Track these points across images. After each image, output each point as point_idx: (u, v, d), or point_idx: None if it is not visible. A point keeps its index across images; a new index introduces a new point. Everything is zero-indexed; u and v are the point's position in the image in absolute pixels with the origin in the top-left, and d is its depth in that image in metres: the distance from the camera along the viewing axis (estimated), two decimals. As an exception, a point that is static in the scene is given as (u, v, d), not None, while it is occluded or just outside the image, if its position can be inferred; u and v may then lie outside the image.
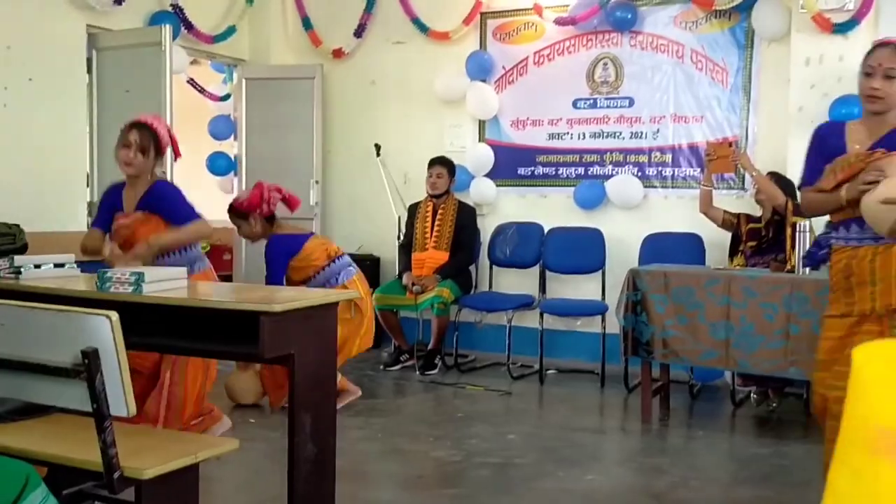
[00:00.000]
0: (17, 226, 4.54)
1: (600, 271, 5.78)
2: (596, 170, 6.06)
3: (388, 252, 6.28)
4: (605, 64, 6.00)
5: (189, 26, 6.14)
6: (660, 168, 5.87)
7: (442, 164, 5.95)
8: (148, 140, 3.70)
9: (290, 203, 4.57)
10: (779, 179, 4.74)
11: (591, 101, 6.06)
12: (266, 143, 6.75)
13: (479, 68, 6.29)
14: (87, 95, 5.70)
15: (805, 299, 4.05)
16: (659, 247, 5.52)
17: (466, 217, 5.99)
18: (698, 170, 5.61)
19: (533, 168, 6.27)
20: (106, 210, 3.85)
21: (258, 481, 3.52)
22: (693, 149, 5.72)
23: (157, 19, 5.89)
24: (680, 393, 4.99)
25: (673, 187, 5.82)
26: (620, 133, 5.98)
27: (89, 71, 5.70)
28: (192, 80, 7.30)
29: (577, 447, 4.09)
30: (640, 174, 5.91)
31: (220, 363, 4.08)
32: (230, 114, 7.14)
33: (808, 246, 4.21)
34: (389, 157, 6.45)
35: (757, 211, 4.92)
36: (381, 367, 5.80)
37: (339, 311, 3.88)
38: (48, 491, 1.95)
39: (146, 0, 5.93)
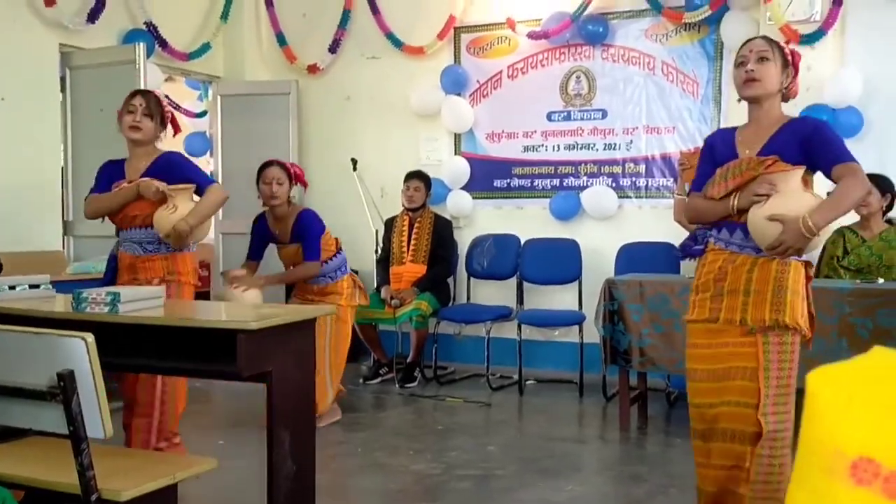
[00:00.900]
0: (-9, 247, 4.52)
1: (577, 281, 5.83)
2: (571, 181, 6.12)
3: (366, 266, 6.30)
4: (578, 77, 6.07)
5: (163, 44, 6.14)
6: (634, 178, 5.94)
7: (418, 178, 5.98)
8: (154, 106, 3.60)
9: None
10: None
11: (565, 113, 6.12)
12: (242, 159, 6.73)
13: (454, 82, 6.34)
14: (61, 114, 5.68)
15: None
16: (634, 256, 5.58)
17: (443, 230, 6.02)
18: (671, 179, 5.67)
19: (509, 180, 6.32)
20: (105, 181, 3.69)
21: (238, 499, 3.51)
22: (666, 159, 5.79)
23: (130, 37, 5.88)
24: (657, 401, 5.04)
25: (647, 197, 5.89)
26: (594, 145, 6.04)
27: (63, 90, 5.68)
28: (167, 96, 7.26)
29: (557, 457, 4.11)
30: (614, 185, 5.98)
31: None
32: (206, 130, 7.14)
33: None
34: (366, 172, 6.48)
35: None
36: (361, 380, 5.81)
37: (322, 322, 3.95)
38: (25, 515, 1.95)
39: (119, 18, 5.92)
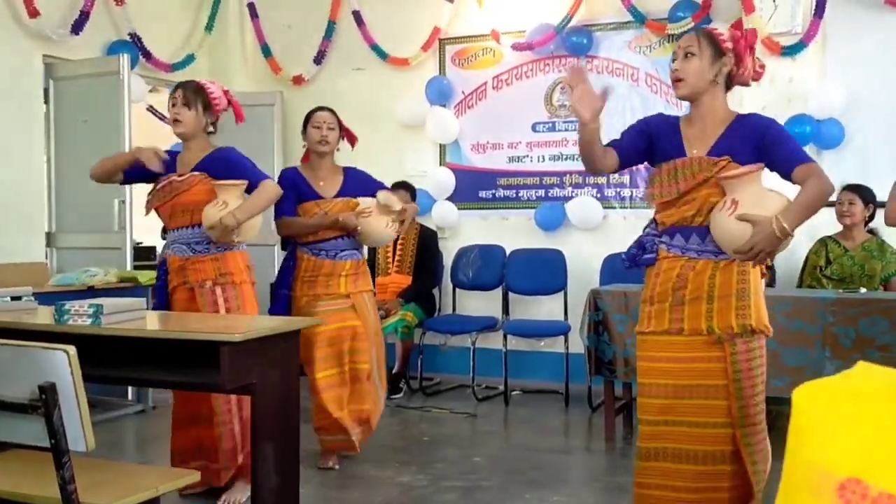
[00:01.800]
0: (-27, 258, 4.48)
1: (562, 292, 5.84)
2: (556, 192, 6.13)
3: (352, 277, 6.27)
4: (563, 88, 6.09)
5: (147, 55, 6.13)
6: (618, 189, 5.96)
7: (403, 189, 5.97)
8: (193, 95, 3.47)
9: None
10: None
11: (550, 124, 6.14)
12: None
13: (439, 93, 6.35)
14: (45, 125, 5.65)
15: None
16: (619, 267, 5.55)
17: (428, 240, 6.02)
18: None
19: (494, 191, 6.33)
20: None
21: (222, 512, 3.48)
22: (650, 169, 5.80)
23: (114, 49, 5.87)
24: (643, 411, 5.04)
25: (632, 208, 5.91)
26: (579, 155, 6.04)
27: (46, 101, 5.65)
28: (151, 107, 7.27)
29: (543, 468, 4.10)
30: (599, 195, 6.00)
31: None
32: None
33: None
34: (351, 183, 6.47)
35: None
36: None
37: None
38: (5, 529, 1.93)
39: (104, 29, 5.91)
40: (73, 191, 5.52)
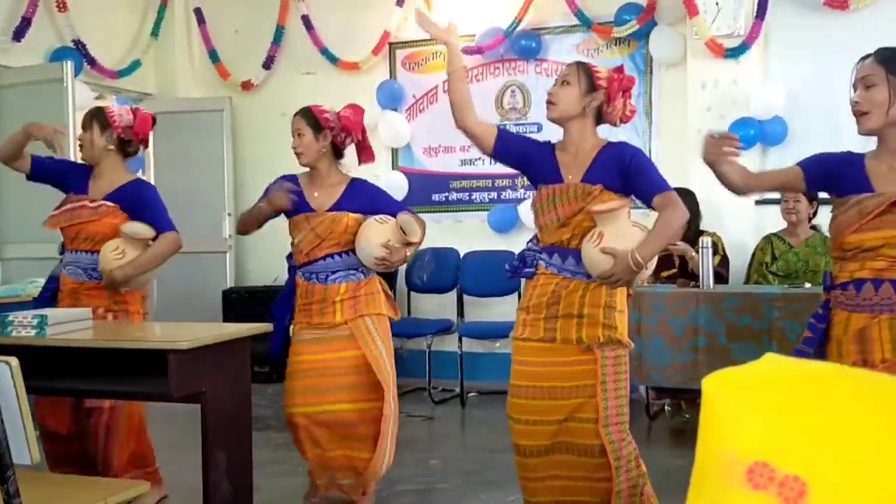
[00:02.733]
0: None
1: (516, 293, 5.86)
2: (508, 194, 6.18)
3: (305, 283, 6.24)
4: (513, 91, 6.14)
5: (92, 62, 6.03)
6: (569, 190, 6.01)
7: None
8: (89, 118, 3.44)
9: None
10: (686, 194, 4.94)
11: (501, 127, 6.17)
12: (176, 177, 6.64)
13: (390, 97, 6.35)
14: (-14, 134, 5.53)
15: (710, 312, 4.22)
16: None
17: (382, 245, 6.00)
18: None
19: (447, 194, 6.35)
20: (64, 171, 3.54)
21: (175, 523, 3.44)
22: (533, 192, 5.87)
23: (58, 55, 5.77)
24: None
25: (583, 209, 5.97)
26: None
27: (-12, 109, 5.54)
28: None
29: (500, 469, 4.12)
30: (550, 197, 6.04)
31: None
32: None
33: (708, 262, 4.38)
34: (303, 188, 6.43)
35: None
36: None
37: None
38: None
39: (46, 36, 5.80)
40: (18, 201, 5.41)
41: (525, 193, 6.11)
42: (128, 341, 2.68)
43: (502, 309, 6.00)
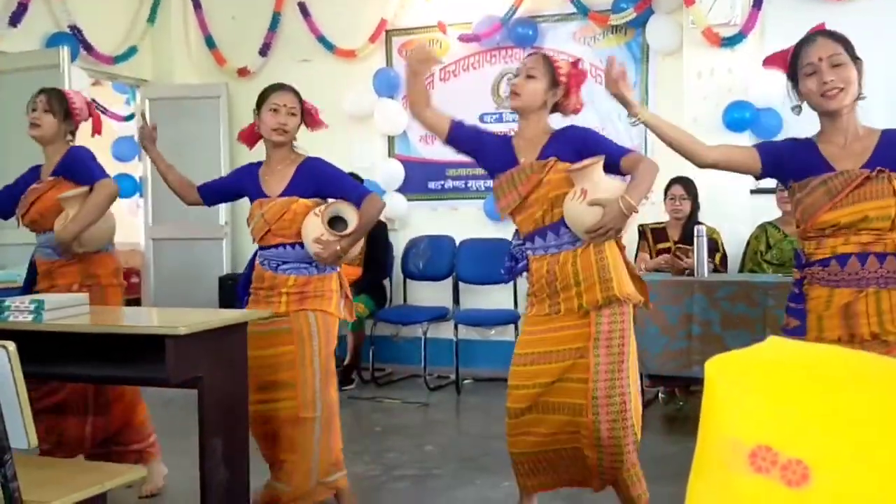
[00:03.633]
0: None
1: (512, 281, 5.89)
2: (504, 182, 6.17)
3: (302, 270, 6.25)
4: (510, 79, 6.12)
5: (88, 48, 6.02)
6: (565, 179, 6.02)
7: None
8: (56, 103, 3.50)
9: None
10: (685, 181, 4.96)
11: (497, 115, 6.19)
12: (173, 163, 6.60)
13: (387, 85, 6.35)
14: (-18, 120, 5.52)
15: (704, 300, 4.24)
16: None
17: (378, 232, 6.01)
18: (602, 179, 5.77)
19: (443, 182, 6.36)
20: (21, 184, 3.60)
21: (172, 508, 3.46)
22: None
23: (54, 41, 5.75)
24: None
25: (579, 197, 5.98)
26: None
27: (-16, 94, 5.52)
28: (93, 100, 7.11)
29: (494, 455, 4.14)
30: (546, 185, 6.05)
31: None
32: (134, 134, 6.99)
33: (703, 252, 4.40)
34: (299, 175, 6.43)
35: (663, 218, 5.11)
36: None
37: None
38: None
39: (43, 21, 5.78)
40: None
41: (521, 181, 6.11)
42: (125, 327, 2.69)
43: (498, 297, 6.02)
